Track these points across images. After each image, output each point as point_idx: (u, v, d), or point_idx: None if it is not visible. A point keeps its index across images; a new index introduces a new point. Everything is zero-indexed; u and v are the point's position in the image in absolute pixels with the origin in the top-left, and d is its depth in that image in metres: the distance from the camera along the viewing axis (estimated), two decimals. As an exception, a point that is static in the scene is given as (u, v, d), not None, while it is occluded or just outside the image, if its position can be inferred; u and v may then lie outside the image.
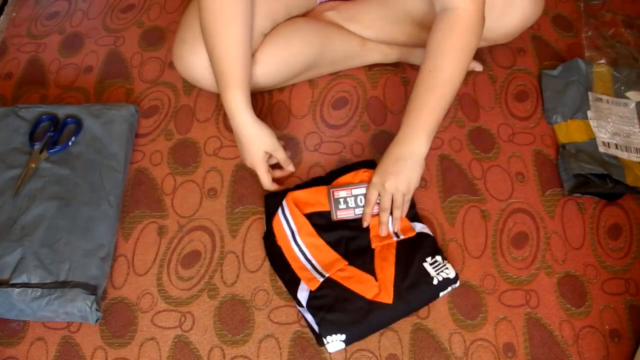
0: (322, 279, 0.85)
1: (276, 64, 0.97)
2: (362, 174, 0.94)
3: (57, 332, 0.86)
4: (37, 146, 0.96)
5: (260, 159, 0.91)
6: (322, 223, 0.91)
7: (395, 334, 0.84)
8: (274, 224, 0.91)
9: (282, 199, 0.92)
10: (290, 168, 0.96)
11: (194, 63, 0.95)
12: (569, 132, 1.00)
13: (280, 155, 0.94)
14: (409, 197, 0.89)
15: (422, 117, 0.84)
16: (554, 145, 1.01)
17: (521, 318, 0.85)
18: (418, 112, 0.84)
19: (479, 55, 1.09)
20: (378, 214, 0.90)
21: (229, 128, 1.05)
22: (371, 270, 0.86)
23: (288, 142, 1.03)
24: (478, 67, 1.08)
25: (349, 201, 0.92)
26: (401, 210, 0.89)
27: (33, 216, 0.89)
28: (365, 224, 0.91)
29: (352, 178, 0.94)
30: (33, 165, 0.94)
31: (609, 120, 1.02)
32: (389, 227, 0.89)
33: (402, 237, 0.89)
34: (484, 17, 0.83)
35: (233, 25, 0.86)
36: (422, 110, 0.84)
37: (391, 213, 0.89)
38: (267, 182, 0.93)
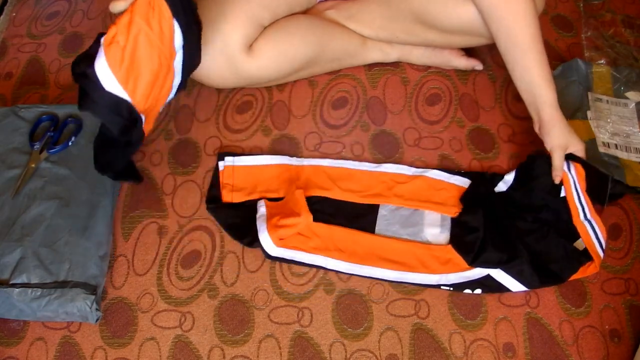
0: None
1: (276, 57, 0.97)
2: None
3: (57, 332, 0.86)
4: (37, 146, 0.96)
5: None
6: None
7: (395, 334, 0.84)
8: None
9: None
10: None
11: None
12: (569, 132, 1.00)
13: None
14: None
15: (550, 80, 0.87)
16: (554, 145, 1.01)
17: (521, 318, 0.85)
18: (545, 78, 0.87)
19: (479, 55, 1.09)
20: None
21: (229, 128, 1.05)
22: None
23: (288, 142, 1.03)
24: (478, 66, 1.08)
25: None
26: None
27: (33, 216, 0.89)
28: (557, 180, 0.89)
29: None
30: (33, 165, 0.94)
31: (609, 120, 1.02)
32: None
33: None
34: None
35: None
36: (546, 74, 0.87)
37: None
38: None
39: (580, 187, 0.88)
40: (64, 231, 0.88)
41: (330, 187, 0.95)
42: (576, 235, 0.87)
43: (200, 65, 0.95)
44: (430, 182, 0.96)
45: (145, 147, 1.04)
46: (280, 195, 0.95)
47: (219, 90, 1.08)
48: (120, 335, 0.86)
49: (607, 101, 1.04)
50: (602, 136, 1.00)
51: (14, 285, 0.83)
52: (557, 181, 0.88)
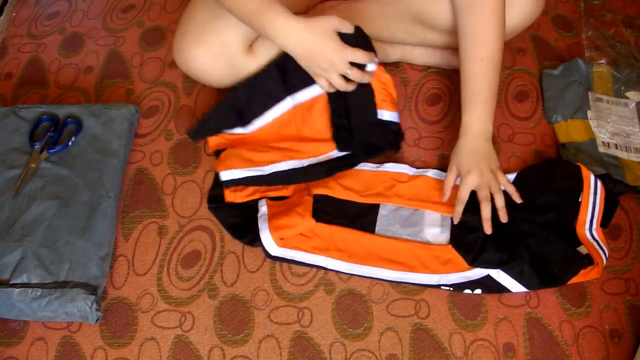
0: None
1: (274, 56, 0.97)
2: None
3: (57, 332, 0.86)
4: (37, 146, 0.96)
5: (335, 37, 0.85)
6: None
7: (395, 334, 0.84)
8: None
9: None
10: (372, 62, 0.89)
11: (195, 55, 0.95)
12: (568, 132, 1.00)
13: (348, 27, 0.87)
14: (503, 178, 0.87)
15: (487, 106, 0.87)
16: (554, 145, 1.01)
17: (521, 318, 0.85)
18: (481, 102, 0.87)
19: None
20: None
21: (229, 128, 1.05)
22: None
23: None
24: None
25: None
26: (510, 187, 0.88)
27: (33, 216, 0.89)
28: (456, 222, 0.89)
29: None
30: (33, 165, 0.94)
31: (609, 120, 1.02)
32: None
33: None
34: None
35: None
36: (484, 99, 0.87)
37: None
38: (366, 57, 0.87)
39: (600, 203, 0.89)
40: (64, 231, 0.88)
41: (332, 186, 0.95)
42: (578, 241, 0.87)
43: (201, 65, 0.96)
44: (431, 181, 0.96)
45: (145, 147, 1.04)
46: (283, 194, 0.95)
47: (219, 90, 1.08)
48: (120, 335, 0.86)
49: (608, 101, 1.04)
50: (602, 136, 1.00)
51: (14, 285, 0.83)
52: (455, 220, 0.89)
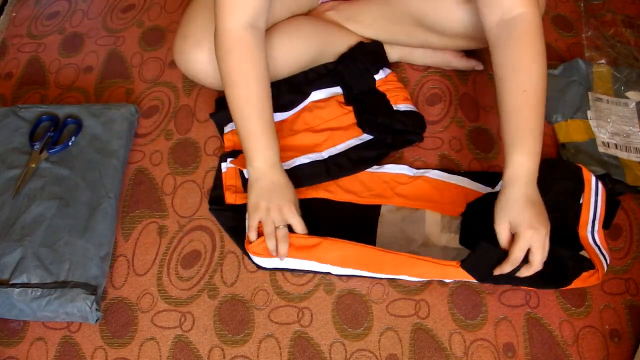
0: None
1: (277, 59, 0.97)
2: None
3: (57, 332, 0.86)
4: (37, 146, 0.96)
5: (296, 202, 0.86)
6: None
7: (396, 334, 0.84)
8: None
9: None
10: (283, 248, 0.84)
11: (195, 58, 0.95)
12: (568, 131, 1.00)
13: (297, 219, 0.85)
14: (546, 245, 0.77)
15: (535, 146, 0.78)
16: (554, 145, 1.01)
17: (521, 318, 0.85)
18: (528, 141, 0.78)
19: (479, 55, 1.09)
20: None
21: (229, 128, 1.05)
22: None
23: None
24: (478, 66, 1.08)
25: None
26: (543, 253, 0.77)
27: (33, 216, 0.89)
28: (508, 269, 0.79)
29: None
30: (33, 165, 0.94)
31: (609, 120, 1.02)
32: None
33: None
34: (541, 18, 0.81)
35: (257, 87, 0.85)
36: (531, 139, 0.78)
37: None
38: (302, 228, 0.84)
39: (601, 204, 0.88)
40: (64, 231, 0.88)
41: (333, 190, 0.95)
42: (580, 245, 0.86)
43: (201, 68, 0.96)
44: (432, 182, 0.96)
45: (145, 147, 1.04)
46: None
47: (219, 91, 1.08)
48: (120, 335, 0.86)
49: (608, 101, 1.04)
50: (602, 136, 1.00)
51: (14, 285, 0.83)
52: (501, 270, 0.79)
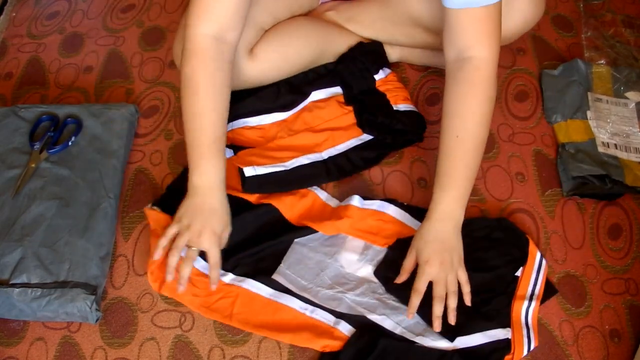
0: None
1: (276, 60, 0.97)
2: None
3: (57, 332, 0.86)
4: (37, 146, 0.96)
5: (221, 233, 0.82)
6: None
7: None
8: None
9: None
10: (214, 278, 0.82)
11: None
12: (568, 132, 1.00)
13: (222, 243, 0.82)
14: (464, 275, 0.80)
15: (457, 189, 0.80)
16: (554, 145, 1.01)
17: (521, 318, 0.85)
18: (452, 183, 0.80)
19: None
20: None
21: (229, 128, 1.05)
22: None
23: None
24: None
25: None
26: (466, 287, 0.80)
27: (33, 216, 0.89)
28: (411, 317, 0.80)
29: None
30: (33, 165, 0.94)
31: (609, 120, 1.02)
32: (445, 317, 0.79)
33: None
34: (497, 64, 0.80)
35: (212, 99, 0.82)
36: (456, 181, 0.80)
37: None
38: (215, 260, 0.81)
39: (541, 283, 0.85)
40: (64, 231, 0.88)
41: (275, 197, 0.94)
42: (507, 318, 0.82)
43: None
44: (375, 214, 0.92)
45: (145, 147, 1.04)
46: (246, 196, 0.93)
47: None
48: (120, 335, 0.86)
49: (607, 101, 1.04)
50: (601, 136, 1.00)
51: (14, 285, 0.83)
52: (409, 314, 0.80)
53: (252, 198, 0.93)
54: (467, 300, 0.80)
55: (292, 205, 0.93)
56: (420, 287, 0.79)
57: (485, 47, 0.79)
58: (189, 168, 0.83)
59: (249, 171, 0.92)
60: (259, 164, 0.93)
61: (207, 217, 0.81)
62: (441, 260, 0.79)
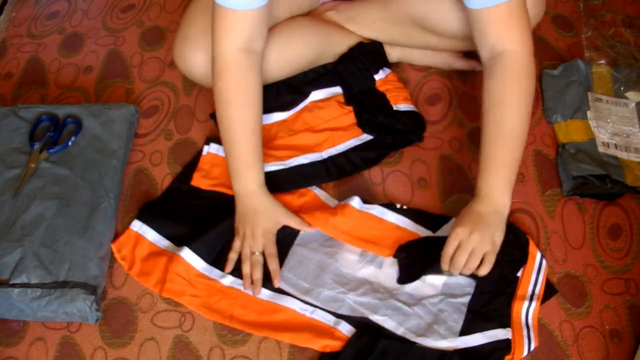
0: None
1: (276, 61, 0.97)
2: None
3: (57, 332, 0.86)
4: (37, 146, 0.96)
5: (273, 228, 0.88)
6: None
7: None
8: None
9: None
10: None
11: (196, 59, 0.95)
12: (568, 132, 1.00)
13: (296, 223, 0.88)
14: (491, 259, 0.79)
15: (500, 177, 0.81)
16: (554, 145, 1.01)
17: (521, 318, 0.85)
18: (495, 172, 0.81)
19: (478, 55, 1.09)
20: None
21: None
22: None
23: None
24: (478, 67, 1.08)
25: None
26: (484, 268, 0.79)
27: (33, 216, 0.89)
28: (445, 267, 0.81)
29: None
30: (33, 165, 0.94)
31: (609, 120, 1.02)
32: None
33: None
34: (533, 56, 0.81)
35: (246, 111, 0.86)
36: (498, 170, 0.81)
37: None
38: (273, 260, 0.86)
39: (541, 283, 0.85)
40: (64, 231, 0.88)
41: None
42: (507, 319, 0.82)
43: (202, 70, 0.95)
44: (374, 219, 0.92)
45: (145, 147, 1.04)
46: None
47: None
48: (120, 335, 0.86)
49: (607, 101, 1.04)
50: (602, 136, 1.00)
51: (14, 285, 0.83)
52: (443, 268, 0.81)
53: None
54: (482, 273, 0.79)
55: (290, 203, 0.93)
56: (448, 250, 0.80)
57: (515, 40, 0.80)
58: (230, 176, 0.88)
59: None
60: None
61: (254, 219, 0.87)
62: (472, 229, 0.78)
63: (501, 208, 0.81)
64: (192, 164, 0.99)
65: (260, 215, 0.87)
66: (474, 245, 0.78)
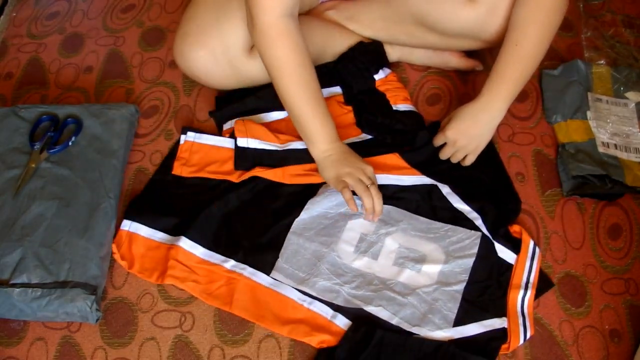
0: None
1: None
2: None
3: (57, 332, 0.86)
4: (37, 146, 0.96)
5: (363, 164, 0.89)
6: None
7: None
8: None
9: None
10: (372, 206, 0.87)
11: (196, 56, 0.95)
12: (568, 132, 1.00)
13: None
14: (470, 159, 0.93)
15: (505, 87, 0.88)
16: (554, 145, 1.01)
17: (521, 318, 0.85)
18: (501, 81, 0.88)
19: (479, 55, 1.09)
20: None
21: (229, 128, 1.05)
22: None
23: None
24: (478, 67, 1.08)
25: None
26: (465, 162, 0.93)
27: (33, 216, 0.89)
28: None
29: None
30: (33, 165, 0.94)
31: (609, 120, 1.02)
32: None
33: None
34: None
35: (308, 74, 0.88)
36: (505, 81, 0.87)
37: None
38: (377, 193, 0.87)
39: (535, 271, 0.86)
40: (64, 231, 0.88)
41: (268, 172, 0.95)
42: (503, 308, 0.83)
43: (202, 67, 0.96)
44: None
45: (145, 147, 1.04)
46: (227, 177, 0.95)
47: (219, 91, 1.08)
48: (120, 335, 0.86)
49: (607, 101, 1.04)
50: (601, 136, 1.00)
51: (14, 285, 0.83)
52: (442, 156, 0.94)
53: (234, 177, 0.94)
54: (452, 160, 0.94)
55: (281, 171, 0.94)
56: (435, 142, 0.95)
57: None
58: (309, 139, 0.90)
59: (242, 142, 0.95)
60: (254, 137, 0.96)
61: (350, 159, 0.89)
62: (458, 138, 0.91)
63: (496, 117, 0.90)
64: (171, 155, 1.00)
65: (352, 154, 0.90)
66: (457, 148, 0.92)
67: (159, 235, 0.91)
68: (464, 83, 1.09)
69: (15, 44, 1.21)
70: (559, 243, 0.91)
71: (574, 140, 0.99)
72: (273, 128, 1.00)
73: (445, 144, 0.94)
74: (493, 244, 0.87)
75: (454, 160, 0.94)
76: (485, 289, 0.84)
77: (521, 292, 0.84)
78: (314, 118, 0.88)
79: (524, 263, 0.86)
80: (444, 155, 0.94)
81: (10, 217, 0.89)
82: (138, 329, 0.86)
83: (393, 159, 0.95)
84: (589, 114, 1.02)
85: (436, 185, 0.92)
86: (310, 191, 0.94)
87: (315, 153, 0.91)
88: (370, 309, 0.83)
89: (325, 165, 0.90)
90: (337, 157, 0.89)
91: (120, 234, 0.91)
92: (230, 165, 0.96)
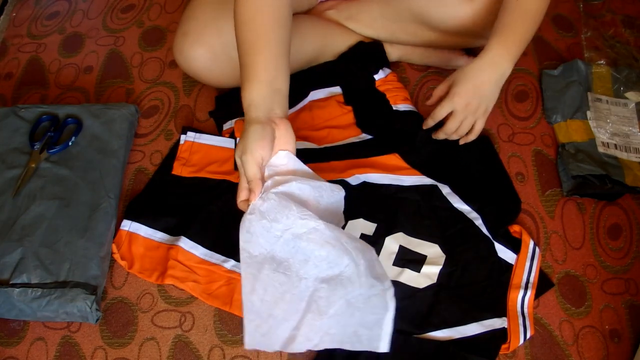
0: None
1: None
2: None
3: (57, 332, 0.86)
4: (37, 146, 0.96)
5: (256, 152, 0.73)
6: None
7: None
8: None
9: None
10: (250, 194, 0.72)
11: (195, 55, 0.95)
12: (568, 132, 1.00)
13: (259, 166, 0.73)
14: (480, 126, 0.88)
15: (512, 39, 0.85)
16: (554, 145, 1.01)
17: (521, 318, 0.85)
18: (508, 34, 0.85)
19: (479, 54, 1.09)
20: None
21: (229, 128, 1.05)
22: None
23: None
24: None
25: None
26: (471, 135, 0.89)
27: (33, 216, 0.89)
28: (430, 124, 0.91)
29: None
30: (33, 165, 0.94)
31: (608, 120, 1.02)
32: None
33: None
34: None
35: (272, 29, 0.77)
36: (511, 34, 0.85)
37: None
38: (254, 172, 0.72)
39: (535, 271, 0.86)
40: (64, 231, 0.88)
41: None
42: (503, 308, 0.83)
43: (202, 65, 0.96)
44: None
45: (145, 147, 1.04)
46: (227, 177, 0.95)
47: (219, 90, 1.08)
48: (120, 335, 0.86)
49: (607, 101, 1.04)
50: (601, 136, 1.00)
51: (14, 285, 0.83)
52: (425, 125, 0.92)
53: (234, 177, 0.94)
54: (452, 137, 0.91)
55: None
56: (439, 113, 0.88)
57: None
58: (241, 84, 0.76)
59: None
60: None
61: (250, 138, 0.73)
62: (469, 101, 0.85)
63: (504, 74, 0.85)
64: (171, 155, 1.00)
65: (261, 136, 0.74)
66: (467, 114, 0.86)
67: (158, 235, 0.91)
68: (464, 83, 1.09)
69: (15, 44, 1.21)
70: (559, 243, 0.91)
71: (574, 140, 0.99)
72: None
73: (442, 124, 0.89)
74: (493, 244, 0.87)
75: (461, 132, 0.89)
76: (485, 289, 0.84)
77: (521, 292, 0.84)
78: (261, 51, 0.75)
79: (524, 263, 0.86)
80: (449, 129, 0.88)
81: (10, 217, 0.89)
82: (138, 329, 0.86)
83: (393, 159, 0.95)
84: (589, 114, 1.02)
85: (436, 185, 0.92)
86: None
87: (243, 96, 0.76)
88: None
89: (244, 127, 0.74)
90: (249, 125, 0.73)
91: (120, 234, 0.91)
92: (230, 165, 0.96)
